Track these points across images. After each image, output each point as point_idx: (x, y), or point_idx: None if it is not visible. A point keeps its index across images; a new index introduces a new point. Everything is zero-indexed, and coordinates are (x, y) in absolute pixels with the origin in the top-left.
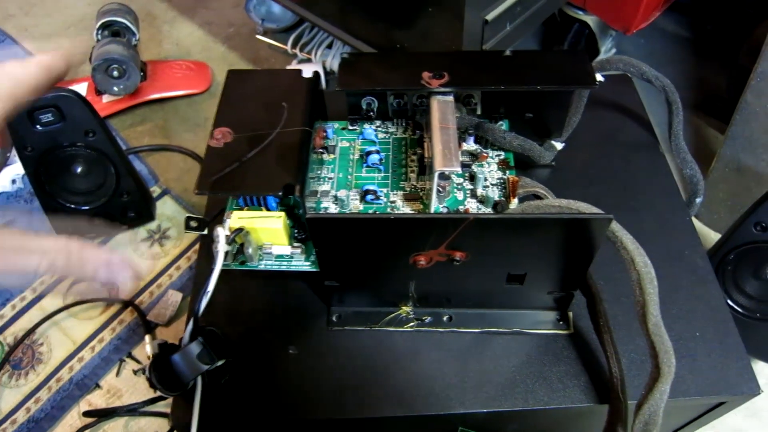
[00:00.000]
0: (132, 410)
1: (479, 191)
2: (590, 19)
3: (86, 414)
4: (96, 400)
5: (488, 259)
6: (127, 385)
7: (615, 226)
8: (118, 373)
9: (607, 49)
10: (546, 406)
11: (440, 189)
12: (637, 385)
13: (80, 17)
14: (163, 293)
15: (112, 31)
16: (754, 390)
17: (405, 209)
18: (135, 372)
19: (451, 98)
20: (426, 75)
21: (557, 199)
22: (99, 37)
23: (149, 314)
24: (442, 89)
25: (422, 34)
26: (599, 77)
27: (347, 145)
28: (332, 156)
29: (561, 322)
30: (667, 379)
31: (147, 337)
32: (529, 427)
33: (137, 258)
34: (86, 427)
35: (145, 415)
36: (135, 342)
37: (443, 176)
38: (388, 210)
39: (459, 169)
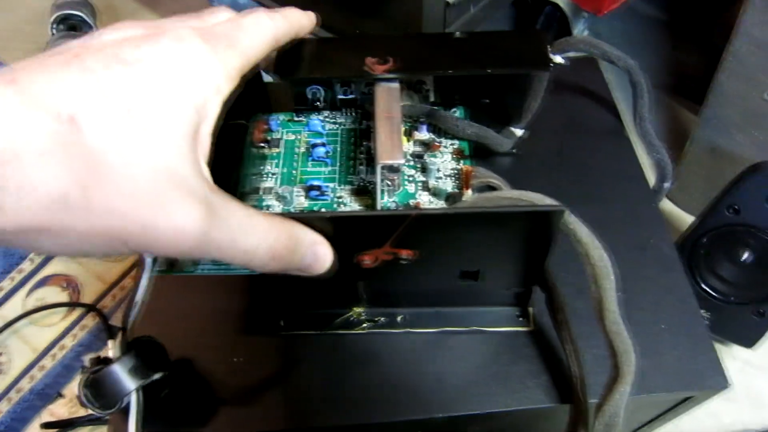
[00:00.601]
0: (94, 419)
1: (431, 183)
2: (561, 1)
3: (44, 426)
4: (58, 409)
5: (438, 256)
6: None
7: (569, 217)
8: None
9: (579, 32)
10: (505, 409)
11: (389, 182)
12: (602, 383)
13: (41, 12)
14: (126, 296)
15: (68, 25)
16: (721, 384)
17: (353, 205)
18: None
19: (396, 85)
20: (370, 61)
21: (510, 191)
22: (54, 31)
23: (112, 318)
24: (386, 75)
25: (384, 19)
26: (560, 59)
27: (293, 137)
28: (276, 150)
29: (521, 319)
30: (628, 380)
31: (110, 343)
32: (492, 429)
33: (101, 260)
34: None
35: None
36: (98, 348)
37: (390, 169)
38: (335, 206)
39: (402, 161)
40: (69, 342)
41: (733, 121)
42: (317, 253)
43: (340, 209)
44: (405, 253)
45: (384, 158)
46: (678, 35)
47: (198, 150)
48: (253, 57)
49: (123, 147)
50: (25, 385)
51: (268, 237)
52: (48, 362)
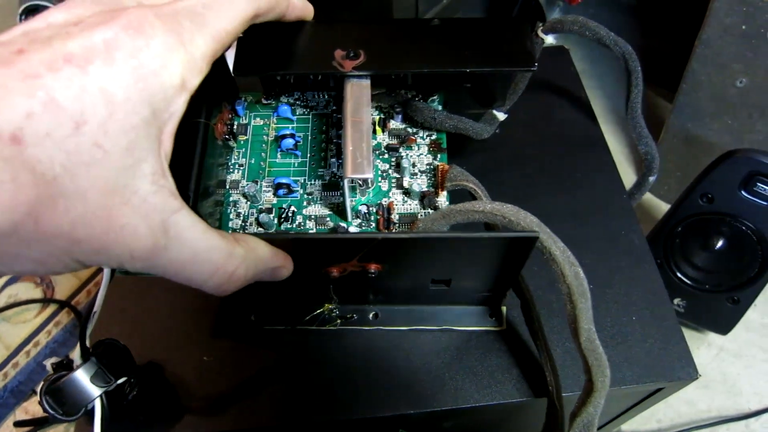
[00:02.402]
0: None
1: (406, 181)
2: None
3: (17, 424)
4: (33, 407)
5: (407, 269)
6: None
7: (543, 236)
8: None
9: None
10: (476, 404)
11: (360, 183)
12: (572, 375)
13: (8, 3)
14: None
15: None
16: (691, 375)
17: (322, 203)
18: None
19: (367, 82)
20: (338, 54)
21: (483, 203)
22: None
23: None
24: (356, 73)
25: (352, 6)
26: (551, 39)
27: (261, 123)
28: (243, 137)
29: (493, 318)
30: (602, 393)
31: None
32: (465, 423)
33: None
34: None
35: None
36: (72, 345)
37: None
38: (304, 204)
39: (371, 175)
40: (43, 339)
41: (706, 109)
42: (275, 275)
43: (309, 207)
44: (373, 267)
45: (351, 172)
46: (651, 22)
47: (161, 155)
48: (226, 38)
49: (72, 166)
50: None
51: (225, 267)
52: (22, 359)
